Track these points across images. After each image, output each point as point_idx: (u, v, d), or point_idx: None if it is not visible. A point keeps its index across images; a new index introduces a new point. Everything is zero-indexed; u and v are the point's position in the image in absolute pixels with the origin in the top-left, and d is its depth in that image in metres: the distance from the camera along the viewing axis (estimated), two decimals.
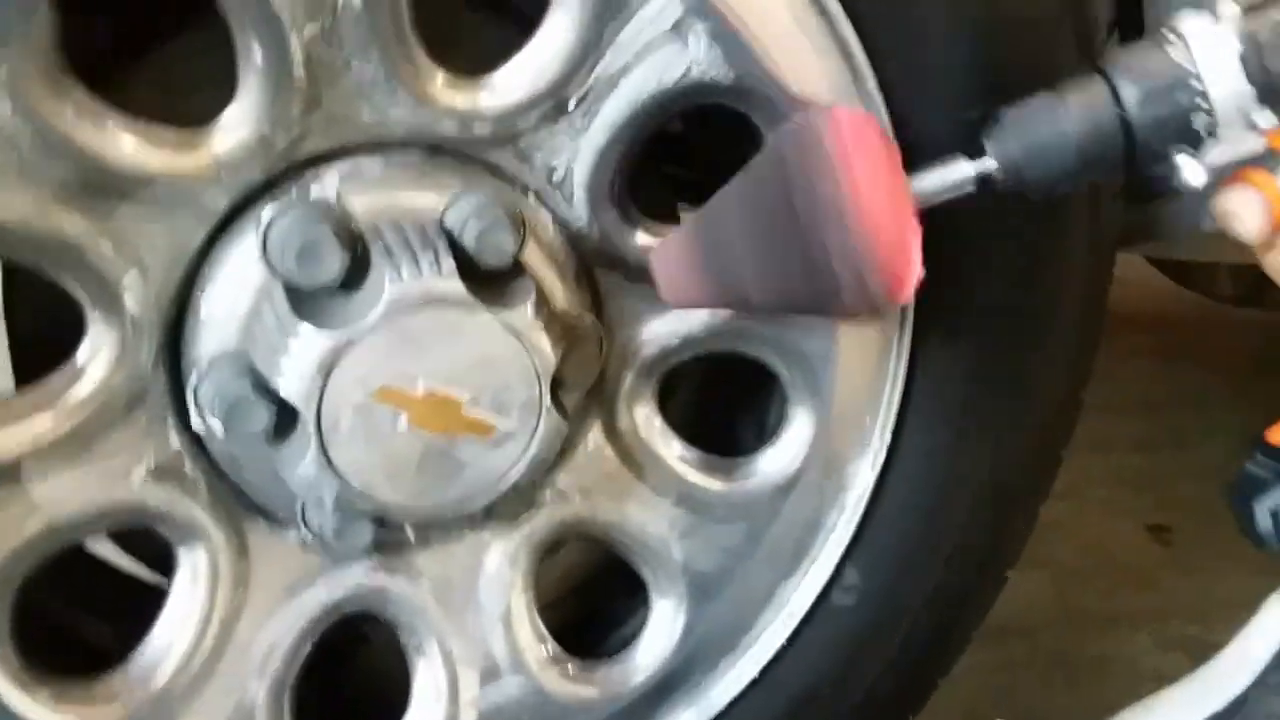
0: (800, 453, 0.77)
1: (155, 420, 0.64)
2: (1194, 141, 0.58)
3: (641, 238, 0.71)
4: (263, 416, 0.62)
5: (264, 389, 0.62)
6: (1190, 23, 0.59)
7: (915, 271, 0.59)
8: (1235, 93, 0.57)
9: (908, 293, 0.60)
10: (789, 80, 0.65)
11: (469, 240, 0.63)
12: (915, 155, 0.62)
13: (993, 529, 0.81)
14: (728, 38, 0.64)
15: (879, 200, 0.58)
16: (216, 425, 0.63)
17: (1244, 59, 0.57)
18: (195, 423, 0.64)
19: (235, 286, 0.63)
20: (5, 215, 0.55)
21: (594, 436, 0.75)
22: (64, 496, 0.62)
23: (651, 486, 0.77)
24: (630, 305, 0.73)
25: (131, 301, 0.61)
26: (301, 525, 0.69)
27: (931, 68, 0.67)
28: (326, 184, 0.63)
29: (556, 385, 0.66)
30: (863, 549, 0.78)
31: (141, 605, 0.70)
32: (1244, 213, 0.61)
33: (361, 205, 0.63)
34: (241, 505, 0.69)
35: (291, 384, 0.60)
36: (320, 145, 0.62)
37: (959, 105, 0.66)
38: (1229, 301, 2.00)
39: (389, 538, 0.69)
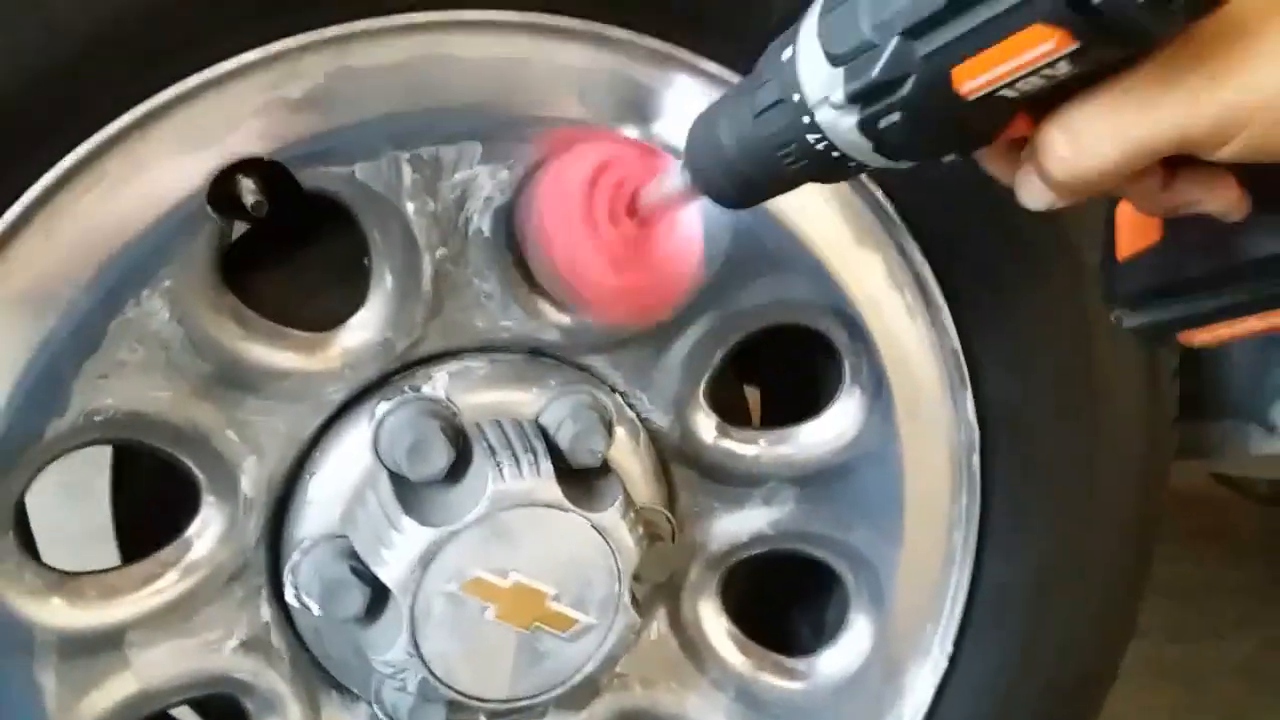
0: (860, 656, 0.78)
1: (251, 593, 0.67)
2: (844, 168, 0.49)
3: (715, 437, 0.75)
4: (357, 599, 0.65)
5: (360, 572, 0.65)
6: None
7: (598, 277, 0.61)
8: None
9: (597, 297, 0.63)
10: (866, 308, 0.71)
11: (563, 440, 0.68)
12: None
13: None
14: (821, 275, 0.70)
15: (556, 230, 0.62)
16: (312, 604, 0.66)
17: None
18: (290, 599, 0.67)
19: (342, 473, 0.67)
20: (148, 406, 0.60)
21: (658, 626, 0.77)
22: (159, 664, 0.65)
23: (711, 680, 0.79)
24: (702, 500, 0.76)
25: (247, 484, 0.65)
26: (376, 704, 0.71)
27: None
28: (437, 382, 0.68)
29: (633, 580, 0.69)
30: None
31: None
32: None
33: (467, 402, 0.68)
34: (319, 678, 0.71)
35: (392, 572, 0.63)
36: (435, 348, 0.67)
37: None
38: (1263, 502, 2.01)
39: (458, 718, 0.71)
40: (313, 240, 0.68)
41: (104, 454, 0.84)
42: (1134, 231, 0.53)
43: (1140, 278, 0.53)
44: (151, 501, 0.73)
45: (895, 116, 0.43)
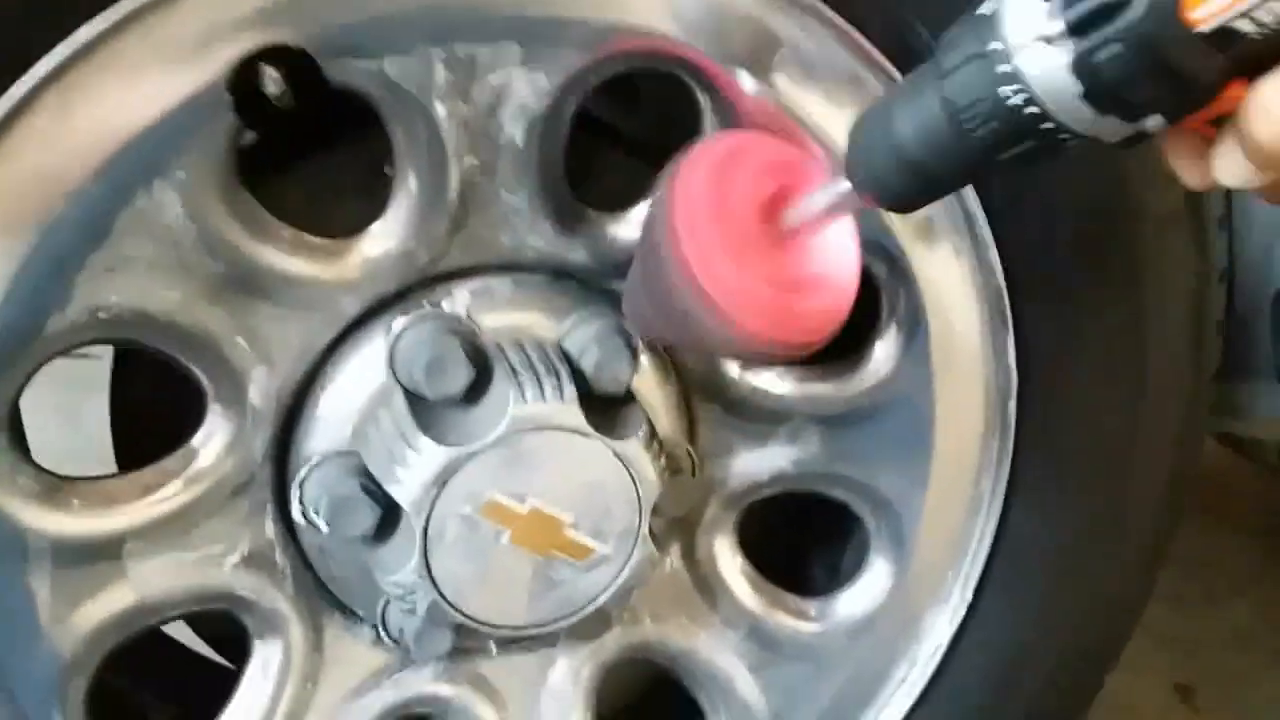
0: (876, 600, 0.77)
1: (256, 509, 0.65)
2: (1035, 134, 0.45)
3: (742, 372, 0.72)
4: (367, 518, 0.63)
5: (371, 491, 0.63)
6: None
7: (775, 313, 0.54)
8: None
9: (784, 334, 0.55)
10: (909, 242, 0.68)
11: (587, 366, 0.65)
12: None
13: (1062, 697, 0.80)
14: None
15: (707, 260, 0.53)
16: (320, 521, 0.64)
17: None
18: (296, 515, 0.65)
19: (354, 389, 0.64)
20: (156, 306, 0.57)
21: (671, 561, 0.75)
22: (158, 576, 0.63)
23: (723, 618, 0.77)
24: (724, 437, 0.74)
25: (255, 394, 0.62)
26: (381, 626, 0.70)
27: None
28: (457, 299, 0.65)
29: (652, 514, 0.67)
30: (930, 705, 0.77)
31: (210, 689, 0.70)
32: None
33: (488, 323, 0.65)
34: (322, 599, 0.69)
35: (407, 492, 0.60)
36: (456, 263, 0.64)
37: None
38: (1275, 471, 2.00)
39: (465, 644, 0.69)
40: (336, 143, 0.64)
41: (97, 375, 0.81)
42: None
43: None
44: (153, 409, 0.70)
45: (1116, 48, 0.39)
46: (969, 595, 0.76)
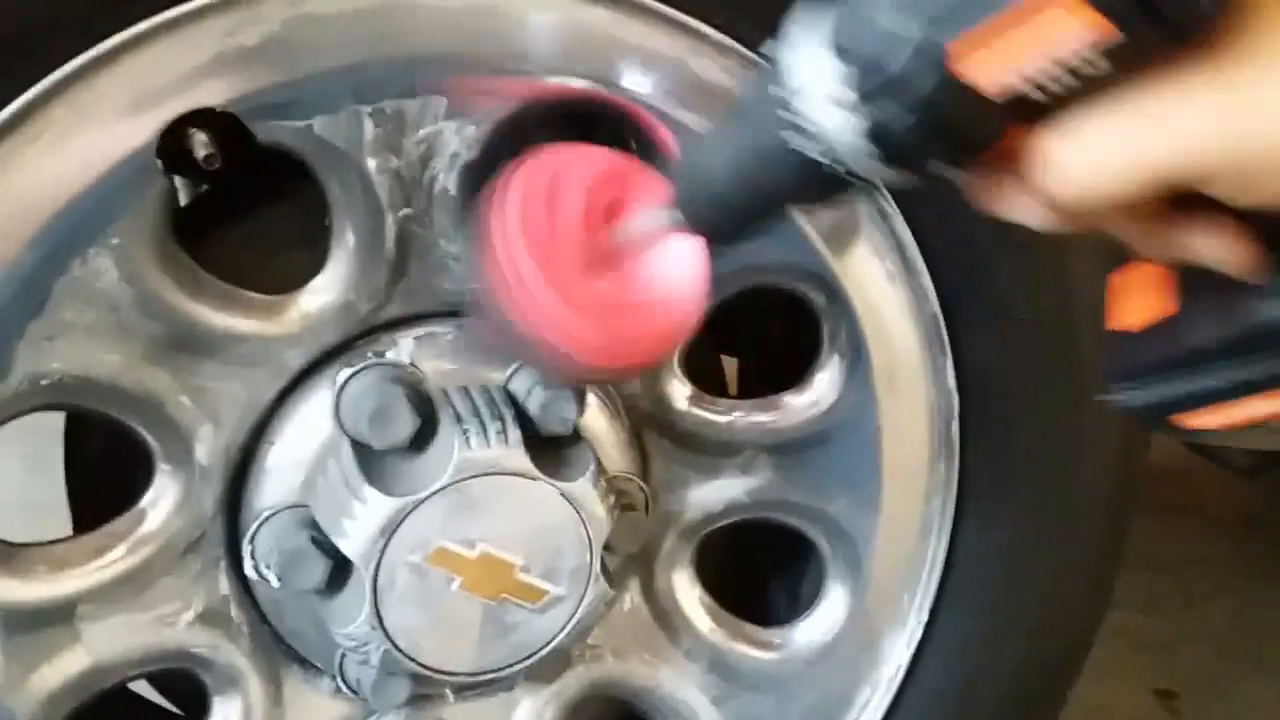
0: (836, 625, 0.77)
1: (208, 566, 0.65)
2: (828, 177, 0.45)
3: (690, 405, 0.73)
4: (318, 570, 0.63)
5: (321, 543, 0.63)
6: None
7: (602, 340, 0.52)
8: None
9: (613, 360, 0.54)
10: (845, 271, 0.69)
11: (532, 407, 0.66)
12: None
13: (1028, 712, 0.81)
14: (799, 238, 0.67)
15: (527, 290, 0.52)
16: (271, 576, 0.64)
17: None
18: (249, 570, 0.65)
19: (301, 441, 0.64)
20: (97, 371, 0.58)
21: (631, 596, 0.76)
22: (112, 638, 0.63)
23: (685, 651, 0.77)
24: (676, 470, 0.74)
25: (202, 452, 0.62)
26: (339, 677, 0.70)
27: None
28: (401, 348, 0.66)
29: (605, 551, 0.68)
30: None
31: None
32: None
33: (432, 369, 0.66)
34: (280, 652, 0.69)
35: (354, 544, 0.61)
36: (399, 312, 0.65)
37: None
38: (1241, 474, 2.02)
39: (424, 691, 0.69)
40: (269, 199, 0.65)
41: (60, 424, 0.82)
42: (1144, 301, 0.49)
43: (1149, 351, 0.48)
44: (104, 470, 0.71)
45: (907, 118, 0.40)
46: (925, 616, 0.77)
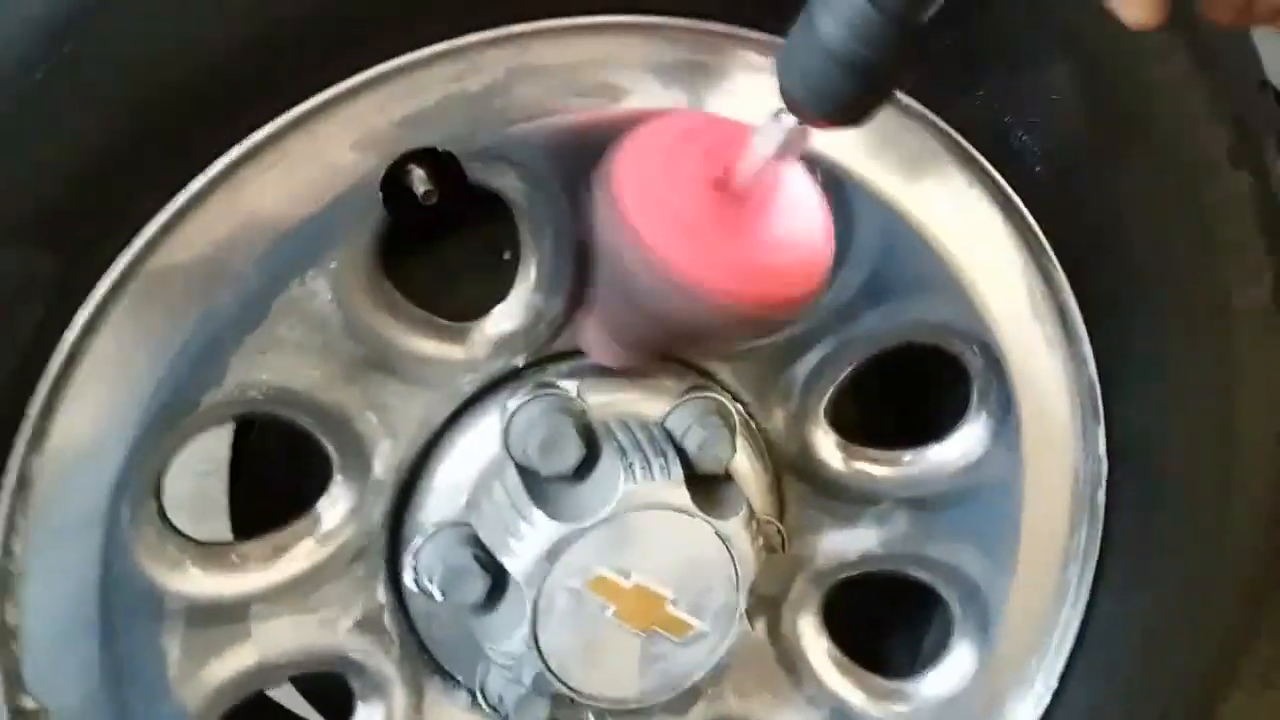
0: (960, 684, 0.77)
1: (370, 575, 0.68)
2: None
3: (834, 453, 0.74)
4: (479, 587, 0.65)
5: (482, 561, 0.66)
6: None
7: (743, 271, 0.50)
8: None
9: (757, 292, 0.51)
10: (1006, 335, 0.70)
11: (689, 445, 0.67)
12: None
13: None
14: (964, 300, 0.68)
15: (658, 226, 0.51)
16: (433, 589, 0.66)
17: None
18: (408, 582, 0.68)
19: (469, 461, 0.67)
20: (299, 384, 0.61)
21: (757, 638, 0.77)
22: (279, 638, 0.65)
23: (807, 697, 0.78)
24: (813, 515, 0.76)
25: (379, 466, 0.65)
26: (480, 692, 0.72)
27: None
28: (568, 378, 0.68)
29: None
30: None
31: None
32: None
33: (595, 401, 0.68)
34: (424, 663, 0.71)
35: (520, 564, 0.63)
36: (568, 343, 0.68)
37: None
38: None
39: (562, 715, 0.71)
40: (460, 229, 0.68)
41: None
42: None
43: None
44: (276, 478, 0.74)
45: None
46: (1053, 683, 0.76)
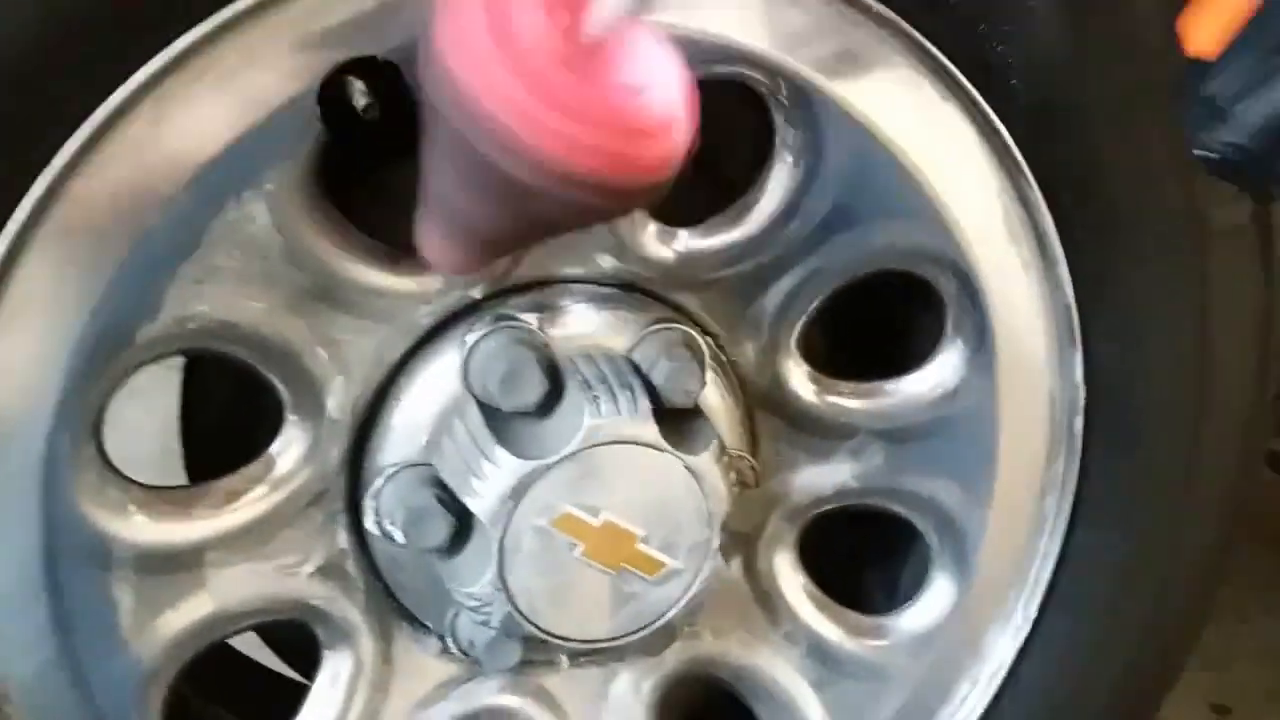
0: (938, 617, 0.76)
1: (329, 519, 0.65)
2: None
3: (806, 385, 0.72)
4: (443, 529, 0.63)
5: (445, 502, 0.63)
6: None
7: (587, 127, 0.42)
8: None
9: (599, 154, 0.43)
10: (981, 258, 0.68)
11: (657, 379, 0.65)
12: None
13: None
14: (937, 223, 0.66)
15: (485, 79, 0.42)
16: (395, 532, 0.64)
17: None
18: (370, 526, 0.65)
19: (427, 400, 0.65)
20: (240, 316, 0.58)
21: (732, 575, 0.75)
22: (236, 586, 0.63)
23: (784, 634, 0.77)
24: (787, 451, 0.74)
25: (333, 405, 0.63)
26: (450, 637, 0.70)
27: None
28: (529, 310, 0.66)
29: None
30: None
31: (277, 701, 0.70)
32: None
33: (557, 334, 0.66)
34: (391, 609, 0.69)
35: (483, 504, 0.61)
36: (526, 275, 0.65)
37: None
38: None
39: (533, 657, 0.69)
40: (411, 152, 0.65)
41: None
42: (1218, 17, 0.43)
43: (1240, 68, 0.42)
44: (226, 420, 0.71)
45: None
46: (1032, 615, 0.75)
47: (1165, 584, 0.78)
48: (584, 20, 0.45)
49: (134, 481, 0.60)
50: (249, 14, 0.51)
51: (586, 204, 0.47)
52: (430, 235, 0.51)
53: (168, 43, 0.50)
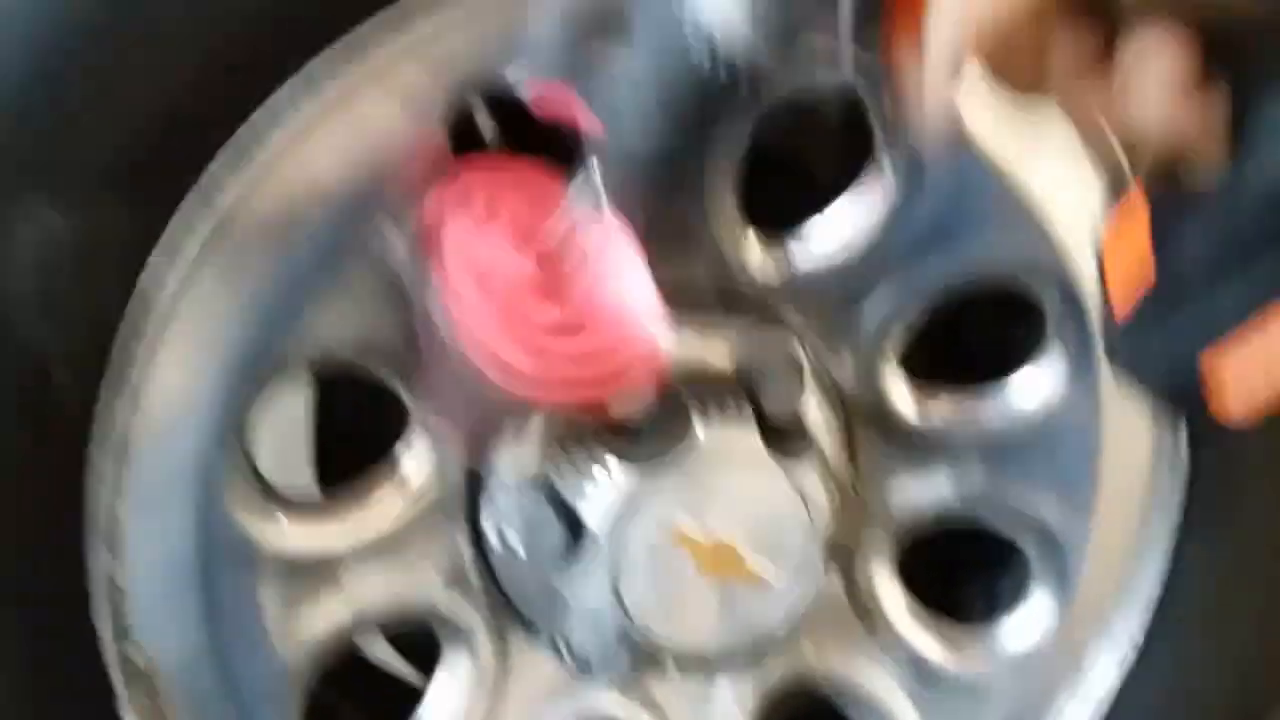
0: (1039, 634, 0.76)
1: (454, 528, 0.69)
2: None
3: (905, 397, 0.74)
4: (559, 538, 0.66)
5: (563, 511, 0.67)
6: None
7: (564, 374, 0.52)
8: None
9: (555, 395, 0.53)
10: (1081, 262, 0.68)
11: (758, 390, 0.67)
12: None
13: None
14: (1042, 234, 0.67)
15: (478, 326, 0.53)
16: (513, 541, 0.68)
17: None
18: (489, 535, 0.69)
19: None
20: (375, 335, 0.62)
21: (831, 588, 0.77)
22: (370, 591, 0.67)
23: (881, 646, 0.78)
24: (885, 463, 0.75)
25: None
26: (561, 642, 0.73)
27: None
28: None
29: None
30: None
31: (396, 701, 0.74)
32: None
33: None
34: (508, 614, 0.72)
35: (595, 514, 0.64)
36: None
37: None
38: None
39: (642, 665, 0.72)
40: None
41: None
42: (1128, 276, 0.44)
43: (1147, 320, 0.44)
44: (357, 431, 0.76)
45: None
46: (1137, 634, 0.75)
47: (1275, 597, 0.77)
48: (547, 234, 0.52)
49: (279, 491, 0.65)
50: (376, 42, 0.55)
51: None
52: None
53: (317, 89, 0.55)
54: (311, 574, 0.66)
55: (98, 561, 0.59)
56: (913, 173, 0.66)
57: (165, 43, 0.52)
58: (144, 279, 0.55)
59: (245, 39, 0.54)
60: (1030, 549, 0.77)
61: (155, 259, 0.54)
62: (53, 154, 0.51)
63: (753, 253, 0.68)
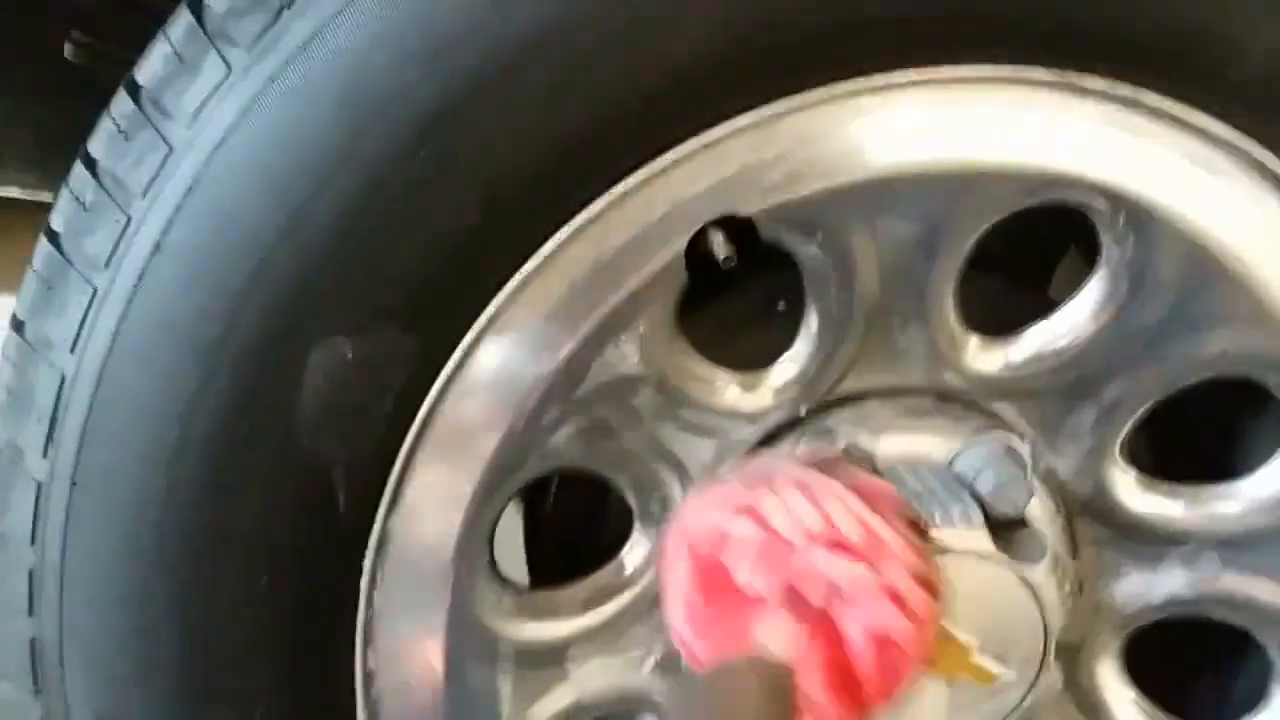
0: None
1: (662, 618, 0.71)
2: None
3: (1132, 492, 0.71)
4: None
5: None
6: None
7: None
8: None
9: None
10: None
11: (983, 489, 0.66)
12: None
13: None
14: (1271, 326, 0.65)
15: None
16: None
17: None
18: None
19: None
20: (636, 445, 0.64)
21: (1056, 686, 0.74)
22: (593, 678, 0.70)
23: None
24: (1112, 558, 0.72)
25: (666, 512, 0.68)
26: None
27: None
28: (843, 423, 0.69)
29: None
30: None
31: None
32: None
33: (879, 446, 0.69)
34: None
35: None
36: (848, 389, 0.68)
37: None
38: None
39: None
40: (738, 284, 0.71)
41: None
42: None
43: None
44: (576, 526, 0.79)
45: None
46: None
47: None
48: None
49: (516, 586, 0.69)
50: (632, 191, 0.58)
51: None
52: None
53: (567, 219, 0.58)
54: (542, 663, 0.68)
55: (358, 657, 0.64)
56: (1140, 274, 0.64)
57: (450, 192, 0.56)
58: (409, 390, 0.59)
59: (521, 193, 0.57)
60: (1272, 646, 0.73)
61: (422, 373, 0.58)
62: (350, 289, 0.56)
63: (973, 354, 0.67)
